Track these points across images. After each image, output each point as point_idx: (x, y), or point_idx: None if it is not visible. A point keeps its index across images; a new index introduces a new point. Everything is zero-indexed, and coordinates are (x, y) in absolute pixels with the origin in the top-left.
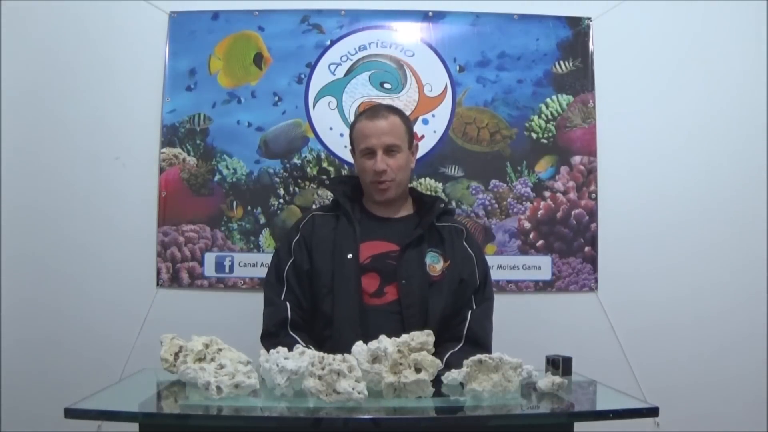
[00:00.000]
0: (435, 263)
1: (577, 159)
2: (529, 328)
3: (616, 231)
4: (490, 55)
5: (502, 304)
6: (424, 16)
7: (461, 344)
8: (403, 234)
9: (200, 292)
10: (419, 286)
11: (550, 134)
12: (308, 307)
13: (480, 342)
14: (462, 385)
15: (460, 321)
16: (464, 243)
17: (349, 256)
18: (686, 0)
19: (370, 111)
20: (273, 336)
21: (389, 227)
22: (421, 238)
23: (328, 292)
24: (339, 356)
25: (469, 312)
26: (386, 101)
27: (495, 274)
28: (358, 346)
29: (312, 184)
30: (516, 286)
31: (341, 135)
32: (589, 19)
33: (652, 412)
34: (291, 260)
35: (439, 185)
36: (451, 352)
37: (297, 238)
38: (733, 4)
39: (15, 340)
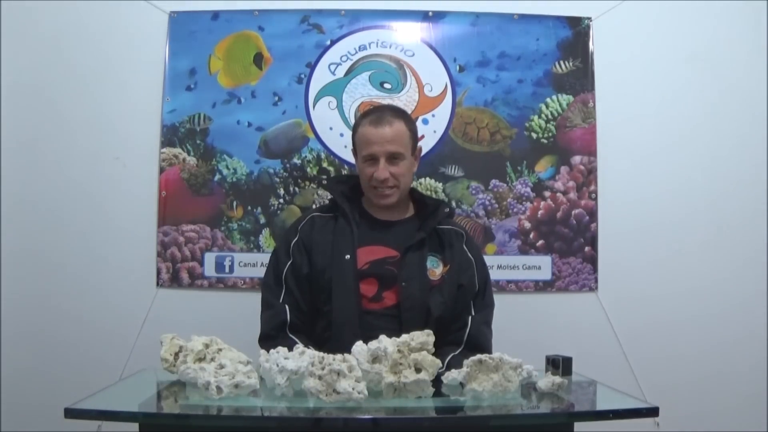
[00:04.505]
0: (435, 267)
1: (577, 159)
2: (529, 328)
3: (616, 231)
4: (490, 55)
5: (502, 304)
6: (424, 16)
7: (461, 348)
8: (403, 238)
9: (200, 292)
10: (420, 290)
11: (550, 134)
12: (307, 310)
13: (480, 348)
14: (462, 385)
15: (460, 327)
16: (464, 247)
17: (347, 257)
18: (686, 0)
19: (375, 116)
20: (272, 339)
21: (388, 231)
22: (422, 241)
23: (327, 294)
24: (339, 356)
25: (469, 318)
26: (386, 101)
27: (495, 274)
28: (358, 346)
29: (312, 184)
30: (516, 286)
31: (341, 135)
32: (589, 19)
33: (652, 412)
34: (290, 262)
35: (439, 185)
36: (452, 355)
37: (296, 239)
38: (733, 4)
39: (15, 339)
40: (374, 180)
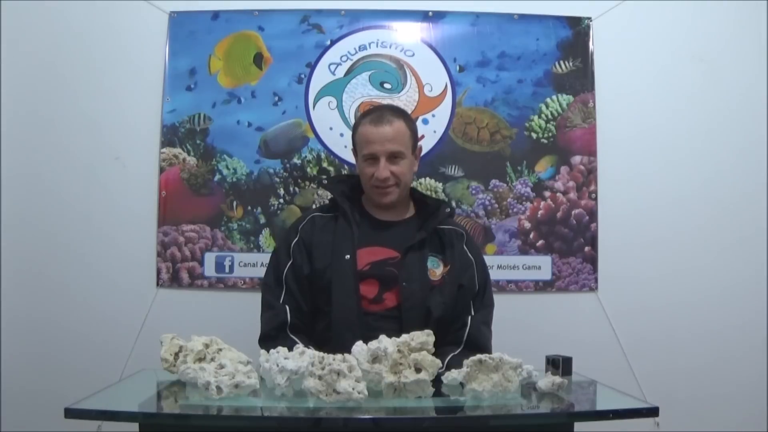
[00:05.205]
0: (435, 268)
1: (577, 159)
2: (529, 328)
3: (616, 231)
4: (490, 55)
5: (502, 304)
6: (424, 16)
7: (461, 348)
8: (404, 238)
9: (200, 292)
10: (420, 290)
11: (550, 134)
12: (307, 310)
13: (480, 348)
14: (462, 385)
15: (460, 327)
16: (464, 247)
17: (347, 257)
18: (686, 0)
19: (375, 115)
20: (272, 339)
21: (389, 232)
22: (423, 241)
23: (328, 294)
24: (339, 356)
25: (469, 318)
26: (386, 101)
27: (495, 274)
28: (358, 346)
29: (312, 184)
30: (516, 286)
31: (341, 135)
32: (589, 19)
33: (652, 412)
34: (290, 262)
35: (439, 185)
36: (452, 355)
37: (296, 239)
38: (732, 4)
39: (15, 339)
40: (375, 179)
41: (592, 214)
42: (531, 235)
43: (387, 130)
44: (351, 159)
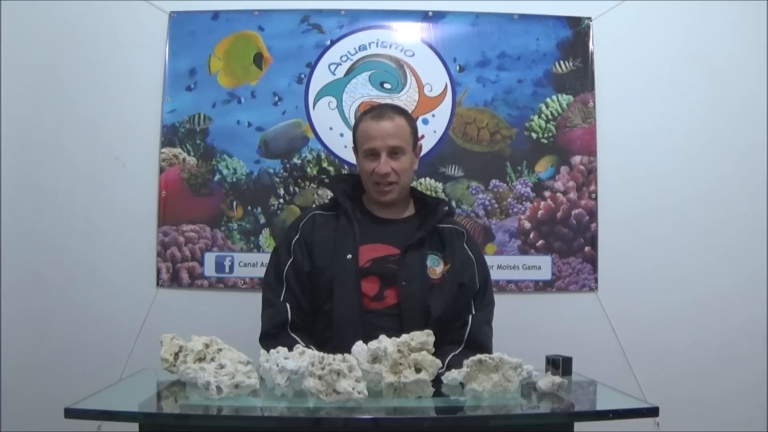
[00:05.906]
0: (435, 266)
1: (577, 159)
2: (529, 328)
3: (616, 231)
4: (490, 55)
5: (502, 304)
6: (424, 16)
7: (462, 347)
8: (404, 236)
9: (200, 292)
10: (420, 289)
11: (550, 134)
12: (308, 308)
13: (481, 347)
14: (462, 385)
15: (461, 325)
16: (465, 246)
17: (348, 256)
18: (686, 0)
19: (376, 111)
20: (272, 338)
21: (390, 229)
22: (422, 240)
23: (329, 293)
24: (339, 356)
25: (470, 317)
26: (386, 101)
27: (495, 274)
28: (358, 346)
29: (312, 184)
30: (516, 286)
31: (341, 135)
32: (589, 19)
33: (652, 412)
34: (291, 260)
35: (439, 185)
36: (452, 354)
37: (297, 237)
38: (733, 4)
39: (15, 339)
40: (375, 175)
41: (592, 214)
42: (531, 235)
43: (388, 126)
44: (351, 159)
